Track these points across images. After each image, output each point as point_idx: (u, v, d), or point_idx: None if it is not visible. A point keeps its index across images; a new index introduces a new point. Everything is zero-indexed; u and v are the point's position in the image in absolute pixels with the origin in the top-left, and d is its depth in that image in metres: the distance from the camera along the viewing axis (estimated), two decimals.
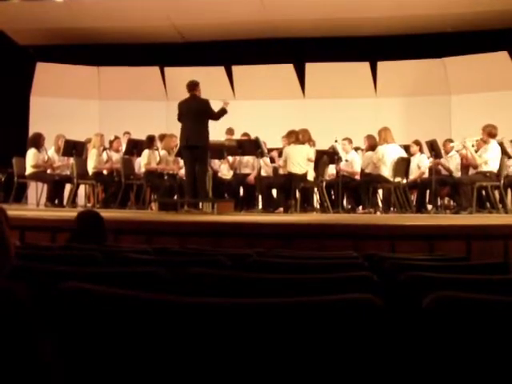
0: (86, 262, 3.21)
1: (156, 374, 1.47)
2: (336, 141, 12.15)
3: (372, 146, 11.72)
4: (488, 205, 11.10)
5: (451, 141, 12.20)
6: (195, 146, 9.85)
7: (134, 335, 1.48)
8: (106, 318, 1.51)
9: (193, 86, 10.13)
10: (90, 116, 15.91)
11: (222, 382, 1.45)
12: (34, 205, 12.54)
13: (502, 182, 10.67)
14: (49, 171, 12.81)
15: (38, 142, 12.60)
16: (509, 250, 6.14)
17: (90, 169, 12.36)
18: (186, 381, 1.46)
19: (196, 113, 9.91)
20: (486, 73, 14.40)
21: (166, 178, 12.29)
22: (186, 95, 10.32)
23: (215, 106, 10.17)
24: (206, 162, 10.29)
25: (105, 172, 12.80)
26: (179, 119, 10.19)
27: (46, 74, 15.89)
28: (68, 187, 12.91)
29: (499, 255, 6.00)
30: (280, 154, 11.91)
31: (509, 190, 11.51)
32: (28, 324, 1.49)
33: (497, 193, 11.00)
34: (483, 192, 11.07)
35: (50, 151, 12.94)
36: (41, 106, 15.63)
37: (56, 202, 12.73)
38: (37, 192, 12.70)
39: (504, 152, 10.86)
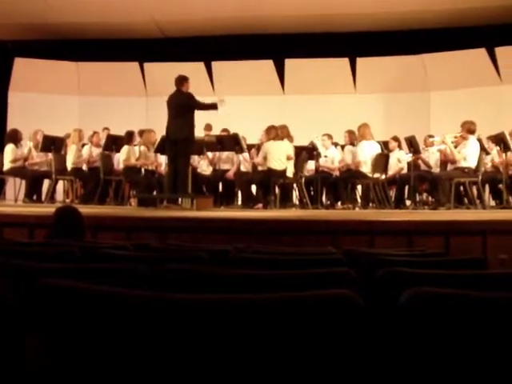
0: (65, 258, 3.19)
1: (136, 370, 1.47)
2: (316, 137, 12.17)
3: (352, 142, 11.78)
4: (466, 200, 11.17)
5: (432, 136, 12.27)
6: (176, 139, 9.82)
7: (113, 331, 1.48)
8: (84, 314, 1.51)
9: (179, 81, 10.08)
10: (70, 112, 15.84)
11: (200, 378, 1.45)
12: (12, 201, 12.46)
13: (480, 177, 10.73)
14: (27, 163, 12.73)
15: (15, 137, 12.53)
16: (487, 245, 6.18)
17: (69, 164, 12.31)
18: (167, 377, 1.46)
19: (178, 107, 9.87)
20: (465, 69, 14.49)
21: (145, 173, 12.26)
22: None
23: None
24: (189, 157, 10.25)
25: (84, 168, 12.75)
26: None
27: (24, 69, 15.80)
28: (46, 183, 12.85)
29: (477, 251, 6.03)
30: (257, 151, 11.93)
31: (486, 186, 11.58)
32: (13, 321, 1.49)
33: (475, 189, 11.07)
34: (461, 188, 11.14)
35: (27, 148, 12.87)
36: (19, 101, 15.56)
37: (34, 197, 12.67)
38: (15, 188, 12.61)
39: (482, 148, 10.93)
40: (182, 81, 10.08)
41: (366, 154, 11.26)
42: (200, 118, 10.41)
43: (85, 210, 5.85)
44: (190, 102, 9.93)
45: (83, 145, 12.88)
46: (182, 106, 9.87)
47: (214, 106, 10.05)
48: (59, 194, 13.19)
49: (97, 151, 12.76)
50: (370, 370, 1.50)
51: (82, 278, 2.10)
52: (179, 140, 9.81)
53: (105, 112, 15.42)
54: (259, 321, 1.44)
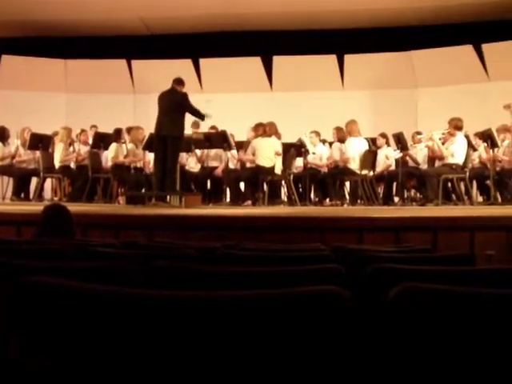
0: (54, 256, 3.18)
1: (125, 367, 1.47)
2: (304, 134, 12.18)
3: (341, 138, 11.79)
4: (454, 197, 11.20)
5: (419, 133, 12.32)
6: (167, 136, 9.81)
7: (102, 329, 1.48)
8: (73, 312, 1.51)
9: (177, 82, 10.14)
10: (57, 109, 15.80)
11: (189, 374, 1.45)
12: (0, 199, 12.42)
13: (468, 174, 10.77)
14: (14, 161, 12.69)
15: (3, 135, 12.49)
16: (474, 241, 6.20)
17: (57, 162, 12.28)
18: (156, 374, 1.46)
19: (172, 104, 9.89)
20: (452, 66, 14.54)
21: (133, 171, 12.24)
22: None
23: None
24: (177, 154, 10.25)
25: (72, 165, 12.73)
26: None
27: (11, 66, 15.75)
28: (34, 181, 12.81)
29: (465, 247, 6.06)
30: (243, 147, 11.95)
31: (474, 182, 11.63)
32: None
33: (462, 185, 11.11)
34: (449, 184, 11.17)
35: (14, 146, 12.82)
36: (7, 99, 15.47)
37: (22, 195, 12.64)
38: (2, 186, 12.58)
39: (469, 145, 10.97)
40: (179, 82, 10.16)
41: (353, 151, 11.28)
42: (188, 115, 10.40)
43: (73, 207, 5.84)
44: (184, 102, 9.96)
45: (71, 143, 12.84)
46: (176, 104, 9.90)
47: (201, 116, 10.22)
48: (47, 192, 13.16)
49: (85, 149, 12.73)
50: (359, 366, 1.51)
51: (71, 275, 2.09)
52: (170, 137, 9.81)
53: (92, 109, 15.38)
54: (247, 318, 1.45)
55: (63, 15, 14.78)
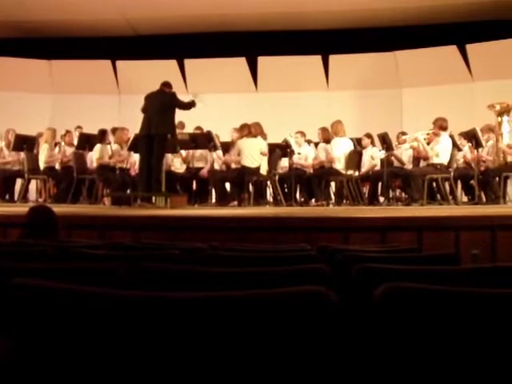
0: (39, 257, 3.18)
1: (108, 369, 1.47)
2: (290, 135, 12.19)
3: (326, 139, 11.80)
4: (438, 197, 11.24)
5: (404, 133, 12.35)
6: (155, 135, 9.81)
7: (88, 331, 1.48)
8: (59, 314, 1.50)
9: (166, 84, 10.20)
10: (42, 110, 15.75)
11: (173, 375, 1.45)
12: None
13: (452, 174, 10.81)
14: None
15: None
16: (459, 240, 6.23)
17: (42, 163, 12.23)
18: (141, 374, 1.46)
19: (161, 105, 9.92)
20: (436, 67, 14.59)
21: (118, 172, 12.21)
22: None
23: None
24: (163, 155, 10.25)
25: (57, 166, 12.68)
26: (143, 110, 10.14)
27: None
28: (19, 182, 12.76)
29: (450, 246, 6.08)
30: (227, 148, 11.95)
31: (459, 182, 11.68)
32: None
33: (447, 185, 11.15)
34: (434, 184, 11.21)
35: None
36: None
37: (7, 197, 12.58)
38: None
39: (454, 145, 11.01)
40: (168, 85, 10.19)
41: (339, 151, 11.30)
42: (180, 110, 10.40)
43: (58, 209, 5.82)
44: (173, 101, 10.01)
45: (56, 144, 12.80)
46: (166, 103, 9.93)
47: (193, 104, 10.22)
48: (32, 194, 13.11)
49: (70, 150, 12.69)
50: (345, 365, 1.51)
51: (56, 277, 2.09)
52: (158, 135, 9.82)
53: (77, 110, 15.33)
54: (233, 318, 1.45)
55: (48, 16, 14.74)
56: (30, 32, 15.48)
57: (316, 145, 12.40)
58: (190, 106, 10.21)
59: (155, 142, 9.83)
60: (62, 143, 12.86)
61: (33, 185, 12.92)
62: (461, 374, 1.54)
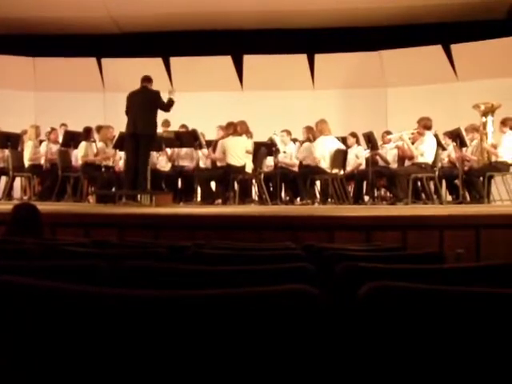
0: (23, 255, 3.16)
1: (91, 368, 1.47)
2: (275, 133, 12.20)
3: (311, 138, 11.81)
4: (423, 196, 11.28)
5: (389, 133, 12.39)
6: (140, 134, 9.79)
7: (71, 329, 1.47)
8: (44, 312, 1.50)
9: (147, 80, 10.14)
10: (26, 107, 15.68)
11: (154, 374, 1.45)
12: None
13: (437, 173, 10.85)
14: None
15: None
16: (443, 239, 6.25)
17: (26, 161, 12.19)
18: (121, 373, 1.46)
19: (145, 103, 9.89)
20: (421, 66, 14.64)
21: (103, 170, 12.19)
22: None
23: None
24: (149, 153, 10.25)
25: (42, 164, 12.63)
26: (127, 111, 10.09)
27: None
28: (3, 180, 12.70)
29: (434, 245, 6.11)
30: (214, 146, 11.94)
31: (443, 182, 11.72)
32: None
33: (432, 184, 11.20)
34: (419, 183, 11.25)
35: None
36: None
37: None
38: None
39: (439, 144, 11.05)
40: (149, 80, 10.16)
41: (324, 150, 11.31)
42: (158, 113, 10.37)
43: (43, 206, 5.81)
44: (158, 100, 9.98)
45: (40, 141, 12.75)
46: (151, 102, 9.92)
47: (172, 102, 10.18)
48: (16, 191, 13.05)
49: (54, 148, 12.64)
50: (329, 364, 1.51)
51: (41, 275, 2.08)
52: (143, 135, 9.79)
53: (62, 108, 15.28)
54: (217, 316, 1.45)
55: (32, 12, 14.67)
56: (13, 29, 15.39)
57: (302, 143, 12.41)
58: (170, 106, 10.18)
59: (141, 141, 9.82)
60: (45, 142, 12.79)
61: (17, 182, 12.85)
62: (445, 372, 1.54)
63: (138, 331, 1.44)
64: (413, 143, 10.96)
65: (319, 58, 15.59)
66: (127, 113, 10.08)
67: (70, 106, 15.35)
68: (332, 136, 11.62)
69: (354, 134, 12.36)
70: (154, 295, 1.48)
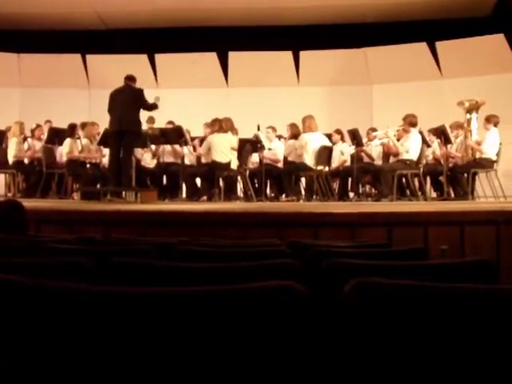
0: (7, 252, 3.15)
1: (78, 365, 1.47)
2: (258, 128, 12.17)
3: (295, 135, 11.81)
4: (408, 192, 11.32)
5: (374, 129, 12.42)
6: (126, 130, 9.78)
7: (58, 327, 1.47)
8: (28, 310, 1.49)
9: (130, 78, 10.12)
10: (11, 104, 15.60)
11: (139, 372, 1.45)
12: None
13: (422, 170, 10.89)
14: None
15: None
16: (428, 236, 6.27)
17: (11, 158, 12.14)
18: (108, 372, 1.46)
19: (129, 100, 9.86)
20: (406, 63, 14.69)
21: (88, 166, 12.15)
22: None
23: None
24: (133, 149, 10.25)
25: (26, 161, 12.59)
26: (110, 109, 10.06)
27: None
28: None
29: (419, 241, 6.12)
30: (201, 143, 11.92)
31: (428, 178, 11.76)
32: None
33: (416, 181, 11.24)
34: (403, 180, 11.29)
35: None
36: None
37: None
38: None
39: (423, 141, 11.09)
40: (132, 79, 10.14)
41: (310, 147, 11.31)
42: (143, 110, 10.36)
43: (27, 203, 5.78)
44: (142, 98, 9.98)
45: (25, 138, 12.70)
46: (134, 99, 9.90)
47: (155, 107, 10.23)
48: (1, 188, 12.99)
49: (39, 144, 12.60)
50: (313, 361, 1.52)
51: (25, 272, 2.08)
52: (129, 132, 9.78)
53: (47, 104, 15.23)
54: (203, 313, 1.45)
55: (17, 8, 14.59)
56: None
57: (287, 140, 12.41)
58: (152, 108, 10.24)
59: (125, 138, 9.80)
60: (29, 139, 12.74)
61: (1, 179, 12.79)
62: (430, 367, 1.55)
63: (124, 328, 1.44)
64: (398, 140, 10.99)
65: (304, 54, 15.60)
66: (110, 110, 10.05)
67: (55, 102, 15.29)
68: (319, 132, 11.61)
69: (338, 131, 12.39)
70: (140, 292, 1.48)
